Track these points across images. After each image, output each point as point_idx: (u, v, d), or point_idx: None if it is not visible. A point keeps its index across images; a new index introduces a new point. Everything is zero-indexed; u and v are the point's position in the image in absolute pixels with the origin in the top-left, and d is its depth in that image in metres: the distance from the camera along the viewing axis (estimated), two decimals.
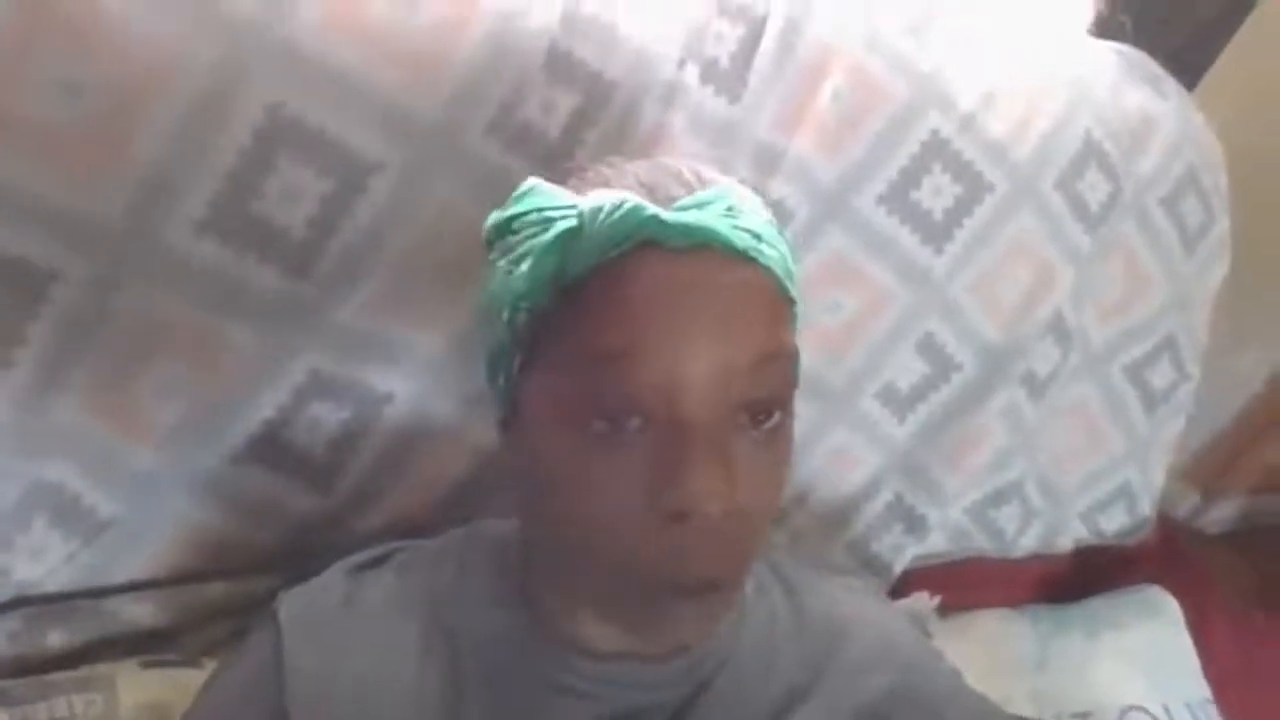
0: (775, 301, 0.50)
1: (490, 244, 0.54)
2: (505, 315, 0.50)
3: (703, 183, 0.51)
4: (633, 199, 0.47)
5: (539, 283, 0.49)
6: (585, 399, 0.47)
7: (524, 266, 0.49)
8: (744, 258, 0.49)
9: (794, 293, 0.53)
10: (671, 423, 0.46)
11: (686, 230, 0.47)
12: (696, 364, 0.46)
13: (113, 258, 0.63)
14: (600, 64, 0.72)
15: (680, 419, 0.46)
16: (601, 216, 0.47)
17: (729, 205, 0.50)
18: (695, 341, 0.46)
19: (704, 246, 0.47)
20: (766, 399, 0.48)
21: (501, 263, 0.52)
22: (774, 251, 0.51)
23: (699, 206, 0.49)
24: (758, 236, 0.50)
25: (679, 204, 0.49)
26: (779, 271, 0.51)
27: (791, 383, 0.50)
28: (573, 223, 0.48)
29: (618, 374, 0.46)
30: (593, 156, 0.73)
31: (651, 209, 0.47)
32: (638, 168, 0.53)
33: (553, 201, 0.50)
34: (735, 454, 0.47)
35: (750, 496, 0.48)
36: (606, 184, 0.51)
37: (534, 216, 0.51)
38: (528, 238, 0.50)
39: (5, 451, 0.64)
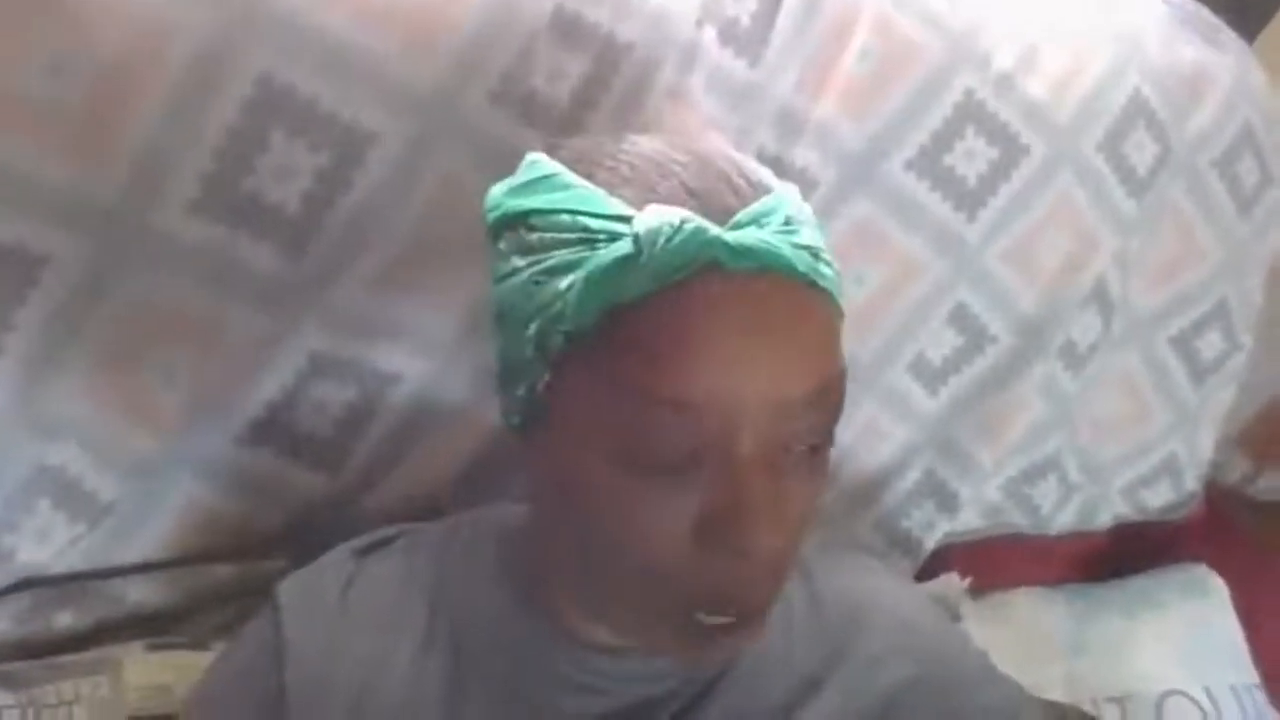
0: (831, 323, 0.48)
1: (497, 231, 0.50)
2: (532, 330, 0.47)
3: (753, 187, 0.48)
4: (694, 220, 0.44)
5: (587, 311, 0.45)
6: (633, 437, 0.44)
7: (561, 284, 0.46)
8: (804, 280, 0.46)
9: (843, 304, 0.50)
10: (727, 461, 0.44)
11: (750, 254, 0.45)
12: (756, 404, 0.44)
13: (105, 239, 0.61)
14: (612, 25, 0.69)
15: (737, 458, 0.44)
16: (661, 241, 0.44)
17: (786, 217, 0.47)
18: (756, 381, 0.44)
19: (765, 271, 0.45)
20: (821, 428, 0.47)
21: (520, 263, 0.48)
22: (830, 270, 0.48)
23: (757, 223, 0.46)
24: (816, 254, 0.47)
25: (737, 220, 0.46)
26: (834, 291, 0.49)
27: (843, 403, 0.48)
28: (628, 249, 0.44)
29: (674, 419, 0.44)
30: (605, 124, 0.70)
31: (714, 231, 0.44)
32: (681, 166, 0.48)
33: (586, 205, 0.47)
34: (787, 486, 0.46)
35: (796, 523, 0.47)
36: (648, 186, 0.47)
37: (565, 220, 0.47)
38: (558, 245, 0.46)
39: (6, 434, 0.64)
